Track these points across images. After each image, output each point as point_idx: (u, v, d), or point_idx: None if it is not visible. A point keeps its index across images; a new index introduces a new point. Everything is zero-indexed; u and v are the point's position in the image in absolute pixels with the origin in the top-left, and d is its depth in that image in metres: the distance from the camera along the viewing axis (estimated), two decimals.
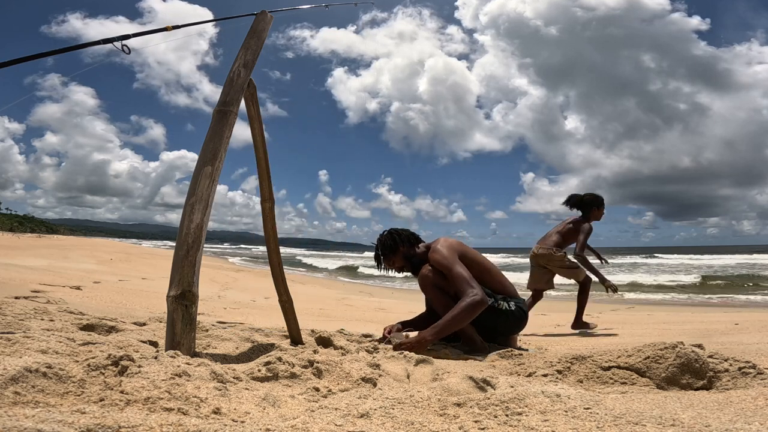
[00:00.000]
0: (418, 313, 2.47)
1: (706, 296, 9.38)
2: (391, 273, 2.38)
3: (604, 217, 3.65)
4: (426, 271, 2.12)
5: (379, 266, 2.37)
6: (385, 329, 2.35)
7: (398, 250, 2.29)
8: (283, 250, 1.92)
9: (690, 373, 1.20)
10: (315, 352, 1.54)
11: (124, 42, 1.58)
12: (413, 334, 2.29)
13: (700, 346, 1.42)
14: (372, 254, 2.39)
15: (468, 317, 1.88)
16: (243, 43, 1.65)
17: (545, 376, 1.31)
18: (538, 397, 0.90)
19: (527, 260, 3.77)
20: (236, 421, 0.75)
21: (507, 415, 0.84)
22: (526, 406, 0.86)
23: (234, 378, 1.01)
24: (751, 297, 8.90)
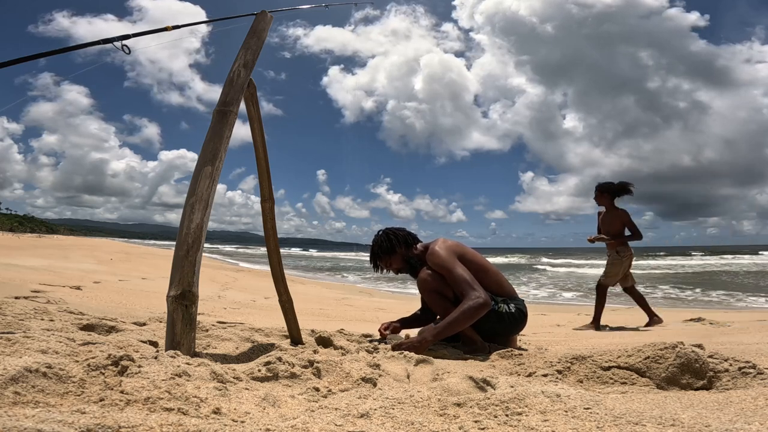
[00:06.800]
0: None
1: (706, 296, 9.38)
2: (388, 274, 2.33)
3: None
4: (425, 275, 2.07)
5: (375, 268, 2.30)
6: (381, 326, 2.34)
7: (395, 251, 2.23)
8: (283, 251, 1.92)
9: (690, 373, 1.20)
10: (315, 352, 1.54)
11: (124, 42, 1.58)
12: (413, 334, 2.28)
13: (700, 346, 1.41)
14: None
15: (470, 320, 1.86)
16: (243, 43, 1.65)
17: (545, 376, 1.31)
18: (538, 397, 0.90)
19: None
20: (236, 421, 0.75)
21: (507, 415, 0.84)
22: (526, 406, 0.86)
23: (234, 378, 1.01)
24: (752, 297, 8.90)
